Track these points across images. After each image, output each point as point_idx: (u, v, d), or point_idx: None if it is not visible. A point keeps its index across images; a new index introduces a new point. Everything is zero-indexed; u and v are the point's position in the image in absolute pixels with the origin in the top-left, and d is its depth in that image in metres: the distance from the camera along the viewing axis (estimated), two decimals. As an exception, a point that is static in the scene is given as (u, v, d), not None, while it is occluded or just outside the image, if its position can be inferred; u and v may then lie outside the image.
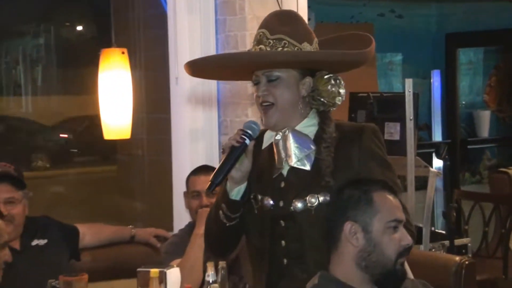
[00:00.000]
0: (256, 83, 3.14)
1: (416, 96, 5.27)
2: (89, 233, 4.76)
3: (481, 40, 8.69)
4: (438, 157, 6.43)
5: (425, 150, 6.25)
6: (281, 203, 3.10)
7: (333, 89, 3.16)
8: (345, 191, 2.94)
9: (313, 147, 3.12)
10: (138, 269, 4.33)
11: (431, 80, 7.38)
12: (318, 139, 3.15)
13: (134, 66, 5.09)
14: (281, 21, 3.14)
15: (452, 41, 8.49)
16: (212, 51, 5.07)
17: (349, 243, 2.82)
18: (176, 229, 5.22)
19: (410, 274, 3.03)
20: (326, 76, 3.15)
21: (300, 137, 3.12)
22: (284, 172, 3.11)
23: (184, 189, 5.20)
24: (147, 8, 5.89)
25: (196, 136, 5.27)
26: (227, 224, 3.10)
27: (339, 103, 3.24)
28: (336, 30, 3.27)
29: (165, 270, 4.18)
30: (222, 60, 3.39)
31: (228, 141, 3.04)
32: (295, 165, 3.10)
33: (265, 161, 3.12)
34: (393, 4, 7.94)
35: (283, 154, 3.09)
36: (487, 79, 8.95)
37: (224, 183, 3.07)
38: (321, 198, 3.09)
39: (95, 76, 6.83)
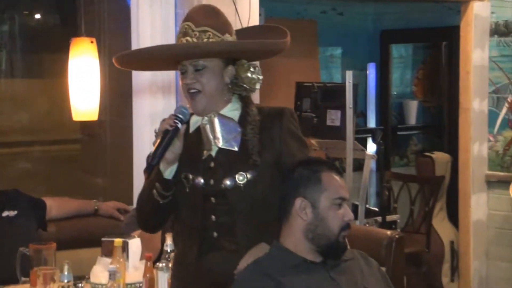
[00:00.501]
0: (183, 72, 3.12)
1: (355, 87, 5.34)
2: (55, 206, 4.72)
3: (411, 37, 8.76)
4: (374, 141, 6.51)
5: (361, 136, 6.32)
6: (212, 182, 3.10)
7: (253, 76, 3.18)
8: (297, 170, 2.99)
9: (239, 129, 3.13)
10: (103, 239, 4.35)
11: (367, 72, 7.43)
12: (242, 121, 3.16)
13: (99, 54, 5.08)
14: (205, 14, 3.14)
15: (386, 38, 8.53)
16: (172, 41, 5.07)
17: (298, 217, 2.88)
18: (135, 203, 5.26)
19: (347, 246, 3.04)
20: (246, 64, 3.18)
21: (225, 120, 3.13)
22: (213, 153, 3.11)
23: (143, 167, 5.26)
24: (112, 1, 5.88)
25: (155, 120, 5.26)
26: (161, 202, 3.08)
27: (258, 88, 3.27)
28: (283, 24, 3.29)
29: (127, 240, 4.21)
30: (157, 52, 3.29)
31: (161, 125, 3.02)
32: (223, 146, 3.10)
33: (193, 143, 3.10)
34: (334, 2, 7.95)
35: (211, 137, 3.09)
36: (415, 72, 9.04)
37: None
38: (249, 176, 3.09)
39: (59, 61, 6.84)
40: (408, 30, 8.56)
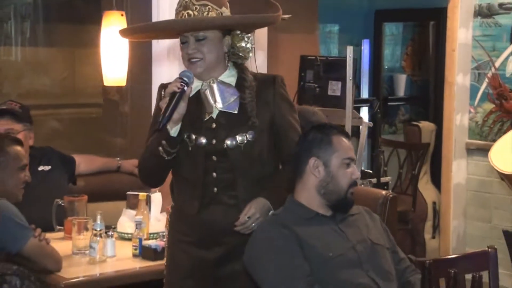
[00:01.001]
0: (184, 42, 3.10)
1: (355, 61, 5.37)
2: (83, 162, 4.74)
3: (402, 17, 8.73)
4: (372, 110, 6.57)
5: (356, 105, 6.36)
6: (214, 141, 3.10)
7: (247, 45, 3.20)
8: (310, 133, 3.05)
9: (237, 93, 3.14)
10: (128, 193, 4.43)
11: (362, 48, 7.47)
12: (239, 86, 3.18)
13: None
14: None
15: (379, 17, 8.47)
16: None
17: (312, 174, 2.94)
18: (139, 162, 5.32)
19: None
20: (240, 35, 3.18)
21: (224, 86, 3.14)
22: (214, 115, 3.12)
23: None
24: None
25: None
26: (166, 158, 3.06)
27: (251, 55, 3.31)
28: (287, 2, 3.31)
29: (150, 194, 4.29)
30: (164, 26, 3.29)
31: (169, 88, 3.02)
32: (224, 109, 3.11)
33: (194, 106, 3.09)
34: None
35: (211, 100, 3.09)
36: (405, 48, 8.98)
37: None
38: (248, 136, 3.11)
39: (79, 31, 6.85)
40: (399, 10, 8.50)
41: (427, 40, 8.73)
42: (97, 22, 6.08)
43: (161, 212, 4.27)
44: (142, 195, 4.18)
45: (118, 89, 6.09)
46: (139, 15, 5.40)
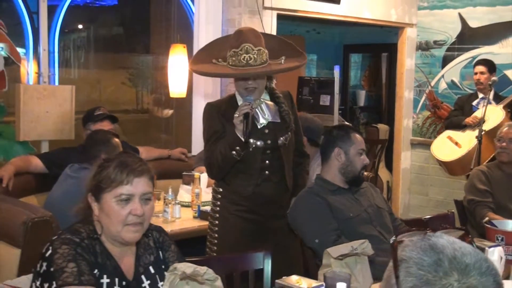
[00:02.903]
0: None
1: (345, 80, 5.44)
2: (144, 152, 4.59)
3: (363, 50, 8.72)
4: (353, 117, 6.73)
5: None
6: (269, 141, 3.09)
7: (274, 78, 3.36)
8: (334, 130, 3.09)
9: (276, 107, 3.15)
10: (184, 173, 4.40)
11: (334, 71, 7.56)
12: (274, 101, 3.17)
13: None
14: (256, 36, 3.02)
15: (347, 49, 8.48)
16: None
17: (336, 159, 2.97)
18: (194, 152, 5.25)
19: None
20: None
21: (268, 104, 3.13)
22: (265, 124, 3.10)
23: (197, 129, 5.35)
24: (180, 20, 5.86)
25: (207, 97, 5.32)
26: (238, 159, 3.00)
27: (275, 81, 3.43)
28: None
29: (200, 174, 4.32)
30: (234, 75, 3.13)
31: (242, 110, 2.94)
32: (272, 120, 3.10)
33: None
34: (314, 25, 7.87)
35: (262, 114, 3.09)
36: (363, 72, 8.99)
37: (233, 133, 3.00)
38: (288, 136, 3.14)
39: (120, 58, 6.82)
40: (361, 45, 8.51)
41: (380, 67, 8.72)
42: (132, 50, 6.15)
43: (207, 186, 4.23)
44: (196, 174, 4.20)
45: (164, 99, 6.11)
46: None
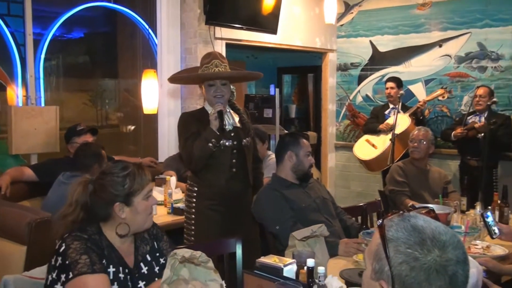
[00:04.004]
0: (212, 85, 3.08)
1: (281, 97, 5.50)
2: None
3: (292, 71, 8.78)
4: (289, 126, 6.78)
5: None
6: (235, 142, 3.11)
7: (234, 91, 3.40)
8: (286, 137, 3.13)
9: (239, 116, 3.21)
10: (156, 177, 4.33)
11: (270, 89, 7.62)
12: (235, 111, 3.23)
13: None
14: (221, 56, 3.11)
15: (280, 71, 8.56)
16: (178, 69, 5.03)
17: (288, 161, 3.01)
18: (160, 159, 5.19)
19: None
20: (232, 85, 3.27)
21: (231, 113, 3.19)
22: (231, 128, 3.12)
23: (163, 140, 5.31)
24: (145, 49, 5.79)
25: (171, 114, 5.32)
26: (213, 150, 3.02)
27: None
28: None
29: (170, 177, 4.26)
30: (201, 76, 3.13)
31: (216, 109, 3.00)
32: (235, 125, 3.14)
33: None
34: (253, 51, 7.86)
35: (229, 120, 3.13)
36: (294, 89, 9.05)
37: (209, 128, 3.02)
38: (249, 138, 3.20)
39: (88, 84, 6.65)
40: (291, 67, 8.58)
41: (307, 85, 8.81)
42: (99, 75, 5.99)
43: (176, 188, 4.22)
44: (168, 178, 4.17)
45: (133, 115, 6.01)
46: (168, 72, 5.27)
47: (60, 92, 6.83)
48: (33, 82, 4.45)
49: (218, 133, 3.02)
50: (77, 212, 1.97)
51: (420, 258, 1.09)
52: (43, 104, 4.58)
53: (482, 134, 4.81)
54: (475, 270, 1.89)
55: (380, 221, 1.18)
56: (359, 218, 3.17)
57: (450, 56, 6.01)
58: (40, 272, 2.08)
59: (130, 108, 6.36)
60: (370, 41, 6.63)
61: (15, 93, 4.45)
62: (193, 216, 3.18)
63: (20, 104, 4.43)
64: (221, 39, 5.31)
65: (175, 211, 3.83)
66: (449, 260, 1.09)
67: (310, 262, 1.88)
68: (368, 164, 5.62)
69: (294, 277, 1.94)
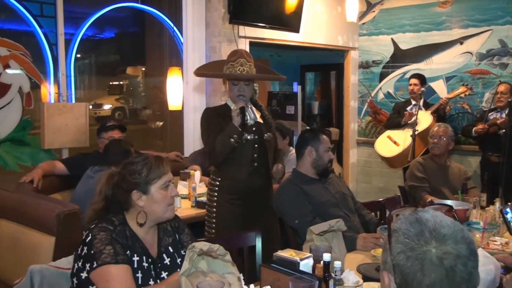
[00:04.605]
0: (236, 84, 3.06)
1: (303, 94, 5.45)
2: None
3: (315, 69, 8.72)
4: (311, 122, 6.72)
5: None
6: (257, 136, 3.07)
7: (257, 89, 3.34)
8: (306, 133, 3.09)
9: (260, 112, 3.17)
10: (181, 171, 4.32)
11: (293, 87, 7.58)
12: (257, 108, 3.20)
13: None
14: (247, 54, 3.06)
15: (303, 69, 8.51)
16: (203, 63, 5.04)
17: (308, 156, 2.98)
18: (186, 154, 5.16)
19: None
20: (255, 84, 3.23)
21: (253, 108, 3.12)
22: (252, 122, 3.08)
23: (188, 135, 5.31)
24: (172, 48, 5.80)
25: (196, 110, 5.31)
26: (235, 145, 2.98)
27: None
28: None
29: (194, 172, 4.25)
30: (225, 76, 3.11)
31: (238, 105, 2.97)
32: (257, 120, 3.10)
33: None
34: (276, 50, 7.84)
35: (252, 115, 3.07)
36: (317, 87, 9.00)
37: (232, 124, 2.99)
38: (270, 133, 3.13)
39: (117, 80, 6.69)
40: (314, 65, 8.52)
41: (329, 82, 8.73)
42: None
43: (200, 182, 4.22)
44: (192, 172, 4.16)
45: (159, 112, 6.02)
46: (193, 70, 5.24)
47: (93, 90, 6.91)
48: (64, 80, 4.49)
49: (240, 129, 2.99)
50: (100, 201, 2.00)
51: (416, 248, 1.07)
52: (73, 101, 4.60)
53: (504, 130, 4.69)
54: (493, 267, 1.83)
55: (388, 213, 1.15)
56: (378, 213, 3.11)
57: (471, 53, 5.87)
58: (66, 262, 2.09)
59: (158, 105, 6.37)
60: (392, 39, 6.52)
61: (48, 91, 4.50)
62: (214, 209, 3.16)
63: (52, 101, 4.47)
64: (245, 37, 5.28)
65: (198, 204, 3.82)
66: (447, 253, 1.05)
67: (327, 256, 1.84)
68: (390, 161, 5.54)
69: (310, 271, 1.90)
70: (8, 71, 4.25)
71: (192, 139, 5.33)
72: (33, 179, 3.53)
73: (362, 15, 6.72)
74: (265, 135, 3.12)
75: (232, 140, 2.99)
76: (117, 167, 2.08)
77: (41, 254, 2.72)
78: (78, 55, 5.65)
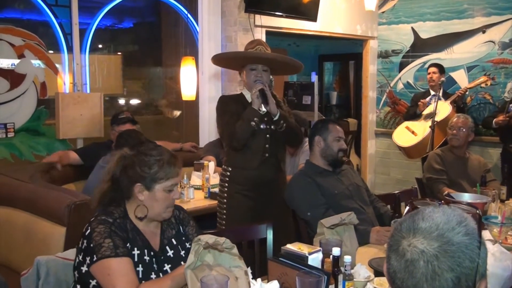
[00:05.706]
0: (253, 69, 3.00)
1: (320, 84, 5.38)
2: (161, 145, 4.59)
3: (334, 59, 8.64)
4: (329, 113, 6.66)
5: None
6: (272, 126, 3.02)
7: (273, 80, 3.25)
8: (317, 122, 3.04)
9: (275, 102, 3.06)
10: (195, 162, 4.29)
11: (311, 77, 7.52)
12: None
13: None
14: (265, 43, 3.05)
15: (321, 58, 8.43)
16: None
17: (317, 146, 2.92)
18: (201, 144, 5.14)
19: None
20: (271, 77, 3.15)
21: (269, 96, 3.01)
22: (265, 111, 3.01)
23: (204, 126, 5.28)
24: (187, 38, 5.76)
25: (211, 100, 5.27)
26: (255, 128, 2.94)
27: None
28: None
29: (208, 162, 4.23)
30: (248, 56, 3.04)
31: (257, 88, 2.92)
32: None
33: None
34: (294, 39, 7.78)
35: (270, 98, 2.97)
36: (335, 77, 8.93)
37: (250, 107, 2.95)
38: (285, 124, 3.02)
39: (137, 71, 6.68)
40: (333, 54, 8.44)
41: (348, 72, 8.64)
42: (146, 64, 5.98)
43: (214, 172, 4.19)
44: (206, 163, 4.11)
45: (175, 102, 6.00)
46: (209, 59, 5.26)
47: (110, 79, 6.90)
48: (79, 70, 4.48)
49: (260, 112, 2.94)
50: (107, 181, 1.97)
51: (398, 238, 1.08)
52: (88, 91, 4.60)
53: (526, 122, 4.56)
54: (510, 263, 1.76)
55: (407, 208, 1.13)
56: (393, 205, 3.04)
57: (493, 42, 5.71)
58: (73, 253, 2.08)
59: (174, 95, 6.35)
60: (412, 28, 6.39)
61: (63, 81, 4.50)
62: (225, 200, 3.13)
63: (67, 91, 4.47)
64: (261, 26, 5.21)
65: (212, 195, 3.79)
66: (413, 246, 1.04)
67: (336, 251, 1.78)
68: (407, 151, 5.44)
69: (319, 266, 1.85)
70: (23, 61, 4.26)
71: (208, 130, 5.30)
72: (53, 159, 3.61)
73: (381, 4, 6.60)
74: (278, 125, 3.04)
75: (253, 123, 2.94)
76: (131, 150, 2.04)
77: (52, 244, 2.72)
78: (100, 46, 5.66)
